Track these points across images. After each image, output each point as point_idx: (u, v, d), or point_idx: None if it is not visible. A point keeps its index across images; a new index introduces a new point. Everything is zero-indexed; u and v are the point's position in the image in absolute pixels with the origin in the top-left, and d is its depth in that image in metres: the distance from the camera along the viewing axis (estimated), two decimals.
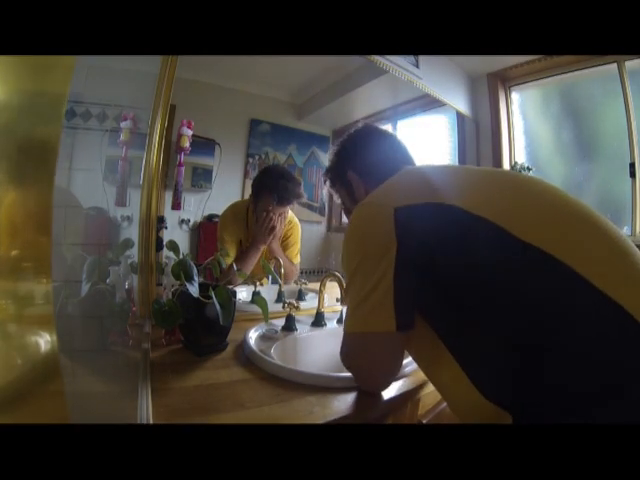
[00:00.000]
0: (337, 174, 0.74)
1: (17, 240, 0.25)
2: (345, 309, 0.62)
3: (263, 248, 1.10)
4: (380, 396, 0.56)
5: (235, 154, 1.20)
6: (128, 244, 0.74)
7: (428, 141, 1.76)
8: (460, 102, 1.73)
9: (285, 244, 1.19)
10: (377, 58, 1.32)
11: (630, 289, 0.40)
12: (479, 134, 1.80)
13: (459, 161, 1.75)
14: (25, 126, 0.25)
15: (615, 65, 1.42)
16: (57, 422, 0.24)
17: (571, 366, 0.37)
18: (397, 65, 1.38)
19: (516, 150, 1.77)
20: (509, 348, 0.40)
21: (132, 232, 0.79)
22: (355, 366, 0.56)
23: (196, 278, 0.68)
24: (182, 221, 1.08)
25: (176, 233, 1.05)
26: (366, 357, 0.53)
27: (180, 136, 0.97)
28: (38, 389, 0.25)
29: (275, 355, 0.70)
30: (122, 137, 0.69)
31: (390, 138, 0.73)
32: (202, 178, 1.10)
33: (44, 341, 0.26)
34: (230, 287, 0.74)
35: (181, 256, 0.72)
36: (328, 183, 0.76)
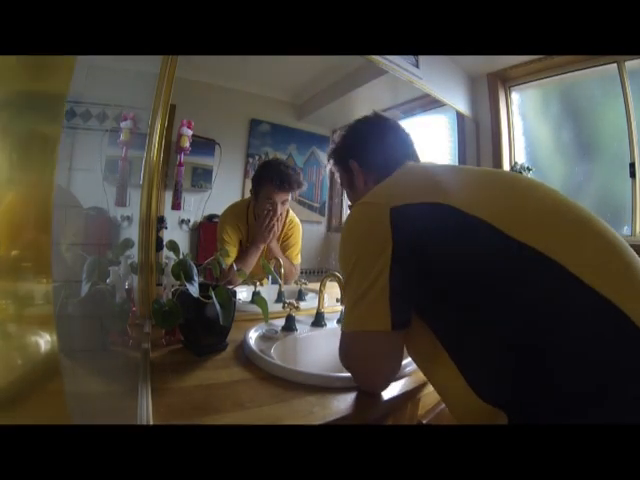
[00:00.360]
0: (340, 158, 0.74)
1: (17, 240, 0.25)
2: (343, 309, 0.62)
3: (263, 247, 1.10)
4: (380, 396, 0.56)
5: (235, 154, 1.20)
6: (128, 244, 0.74)
7: (428, 141, 1.76)
8: (460, 102, 1.73)
9: (286, 244, 1.18)
10: (377, 58, 1.32)
11: (625, 289, 0.40)
12: (479, 134, 1.80)
13: (459, 161, 1.75)
14: (25, 126, 0.25)
15: (615, 65, 1.42)
16: (57, 422, 0.24)
17: (566, 366, 0.37)
18: (397, 65, 1.38)
19: (516, 150, 1.77)
20: (504, 348, 0.40)
21: (132, 232, 0.79)
22: (353, 366, 0.56)
23: (196, 278, 0.68)
24: (182, 221, 1.08)
25: (176, 233, 1.05)
26: (363, 356, 0.53)
27: (180, 136, 0.97)
28: (38, 389, 0.25)
29: (275, 355, 0.70)
30: (122, 137, 0.69)
31: (397, 131, 0.72)
32: (202, 178, 1.10)
33: (44, 341, 0.26)
34: (230, 287, 0.74)
35: (181, 256, 0.72)
36: (332, 162, 0.77)
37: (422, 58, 1.51)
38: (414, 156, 0.71)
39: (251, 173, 1.20)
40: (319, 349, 0.85)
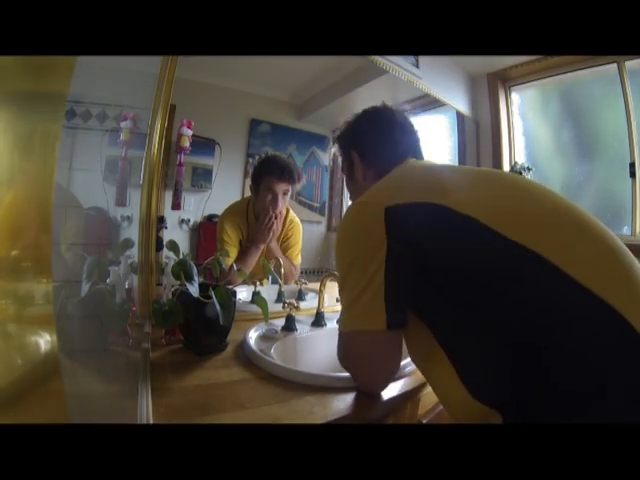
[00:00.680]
0: (343, 147, 0.75)
1: (17, 240, 0.25)
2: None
3: (263, 247, 1.10)
4: (380, 396, 0.56)
5: (235, 154, 1.20)
6: (128, 244, 0.74)
7: (428, 141, 1.75)
8: (460, 102, 1.73)
9: (286, 244, 1.18)
10: (377, 58, 1.32)
11: (620, 290, 0.40)
12: (479, 134, 1.80)
13: (459, 161, 1.75)
14: (25, 126, 0.25)
15: (615, 65, 1.42)
16: (57, 422, 0.24)
17: (562, 365, 0.37)
18: (397, 65, 1.38)
19: (516, 150, 1.77)
20: (500, 346, 0.40)
21: (132, 232, 0.79)
22: (350, 366, 0.56)
23: (196, 278, 0.68)
24: (182, 221, 1.08)
25: (176, 233, 1.05)
26: (360, 356, 0.54)
27: (180, 136, 0.97)
28: (38, 389, 0.25)
29: (275, 355, 0.70)
30: (122, 137, 0.69)
31: (402, 126, 0.71)
32: (202, 178, 1.10)
33: (44, 341, 0.26)
34: (230, 287, 0.74)
35: (181, 256, 0.72)
36: (337, 146, 0.77)
37: (422, 58, 1.51)
38: (417, 153, 0.70)
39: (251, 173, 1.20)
40: (319, 349, 0.85)
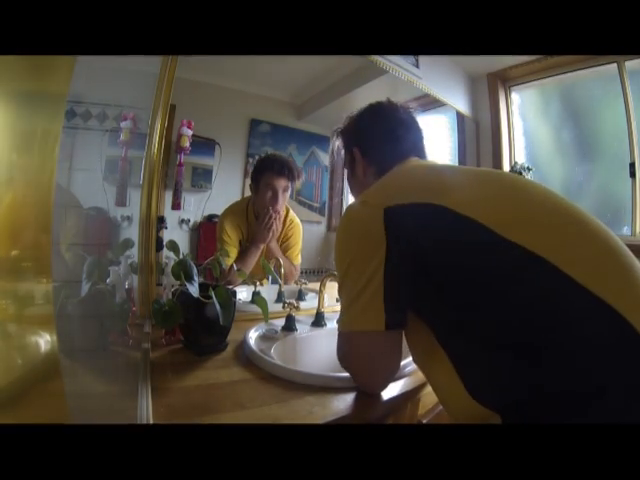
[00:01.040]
0: (346, 142, 0.74)
1: (17, 240, 0.25)
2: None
3: (263, 247, 1.10)
4: (380, 396, 0.56)
5: (235, 154, 1.20)
6: (128, 244, 0.74)
7: (428, 141, 1.75)
8: (460, 102, 1.73)
9: (286, 244, 1.18)
10: (377, 58, 1.32)
11: (620, 290, 0.40)
12: (479, 134, 1.80)
13: (459, 161, 1.74)
14: (25, 126, 0.25)
15: (615, 65, 1.42)
16: (57, 422, 0.24)
17: (562, 365, 0.37)
18: (397, 65, 1.38)
19: (516, 150, 1.77)
20: (500, 347, 0.40)
21: (132, 232, 0.79)
22: (350, 366, 0.56)
23: (196, 278, 0.68)
24: (182, 221, 1.08)
25: (176, 233, 1.05)
26: (359, 356, 0.54)
27: (180, 136, 0.97)
28: (38, 389, 0.25)
29: (275, 355, 0.70)
30: (122, 137, 0.69)
31: (405, 124, 0.70)
32: (202, 178, 1.10)
33: (44, 341, 0.26)
34: (230, 287, 0.74)
35: (181, 256, 0.72)
36: (339, 140, 0.77)
37: (422, 58, 1.51)
38: (421, 151, 0.70)
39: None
40: (319, 349, 0.85)
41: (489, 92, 1.76)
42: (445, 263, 0.45)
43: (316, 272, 1.33)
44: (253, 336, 0.77)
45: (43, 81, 0.26)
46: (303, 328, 0.88)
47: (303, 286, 1.12)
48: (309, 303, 1.07)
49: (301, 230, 1.22)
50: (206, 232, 1.11)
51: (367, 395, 0.56)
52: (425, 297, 0.47)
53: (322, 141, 1.38)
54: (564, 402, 0.36)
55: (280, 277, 1.07)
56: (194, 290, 0.65)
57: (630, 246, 0.46)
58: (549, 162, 1.68)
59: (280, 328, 0.84)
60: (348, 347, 0.55)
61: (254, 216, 1.12)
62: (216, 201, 1.12)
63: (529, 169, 1.60)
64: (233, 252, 1.08)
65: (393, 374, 0.56)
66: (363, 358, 0.53)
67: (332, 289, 0.97)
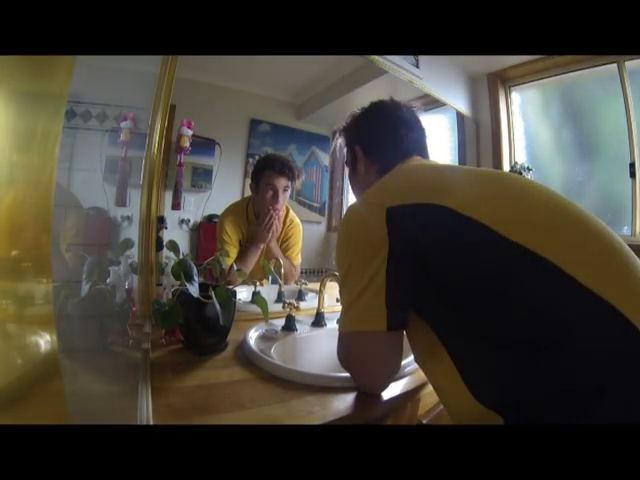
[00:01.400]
0: (348, 139, 0.74)
1: (17, 240, 0.25)
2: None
3: (263, 247, 1.10)
4: (380, 396, 0.56)
5: (235, 154, 1.20)
6: (128, 244, 0.74)
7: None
8: (460, 102, 1.73)
9: (286, 245, 1.18)
10: (377, 58, 1.32)
11: (621, 289, 0.39)
12: (479, 134, 1.80)
13: (459, 161, 1.74)
14: (25, 126, 0.25)
15: (615, 65, 1.42)
16: (57, 422, 0.24)
17: (562, 365, 0.37)
18: (397, 65, 1.38)
19: (516, 150, 1.77)
20: (501, 347, 0.40)
21: (132, 232, 0.79)
22: (350, 366, 0.56)
23: (196, 278, 0.68)
24: (182, 221, 1.08)
25: (176, 233, 1.05)
26: (360, 356, 0.54)
27: (180, 136, 0.97)
28: (38, 389, 0.25)
29: (275, 355, 0.70)
30: (122, 137, 0.69)
31: (408, 123, 0.70)
32: (202, 178, 1.10)
33: (44, 341, 0.26)
34: (230, 287, 0.74)
35: (181, 256, 0.72)
36: (341, 138, 0.77)
37: (422, 58, 1.51)
38: (423, 151, 0.70)
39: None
40: (319, 349, 0.85)
41: (489, 92, 1.76)
42: (446, 263, 0.45)
43: (316, 272, 1.33)
44: (253, 336, 0.77)
45: (43, 81, 0.26)
46: (303, 328, 0.88)
47: (303, 286, 1.12)
48: (309, 303, 1.07)
49: (301, 230, 1.22)
50: (206, 232, 1.11)
51: (367, 395, 0.56)
52: (426, 297, 0.47)
53: (322, 141, 1.38)
54: (564, 402, 0.36)
55: (280, 277, 1.07)
56: (194, 290, 0.64)
57: (630, 246, 0.46)
58: (549, 162, 1.68)
59: (280, 328, 0.84)
60: (349, 347, 0.55)
61: (254, 216, 1.12)
62: (216, 201, 1.12)
63: (529, 169, 1.60)
64: (233, 252, 1.08)
65: (394, 374, 0.56)
66: (364, 358, 0.53)
67: (332, 289, 0.97)
